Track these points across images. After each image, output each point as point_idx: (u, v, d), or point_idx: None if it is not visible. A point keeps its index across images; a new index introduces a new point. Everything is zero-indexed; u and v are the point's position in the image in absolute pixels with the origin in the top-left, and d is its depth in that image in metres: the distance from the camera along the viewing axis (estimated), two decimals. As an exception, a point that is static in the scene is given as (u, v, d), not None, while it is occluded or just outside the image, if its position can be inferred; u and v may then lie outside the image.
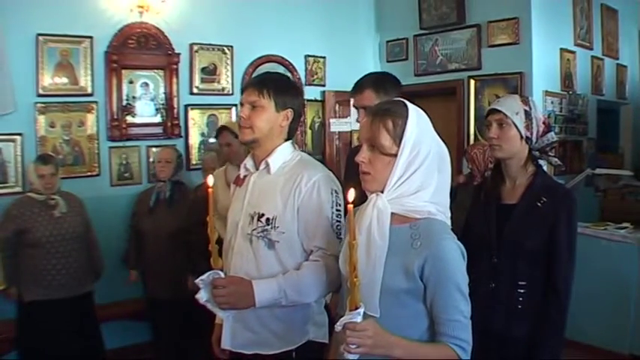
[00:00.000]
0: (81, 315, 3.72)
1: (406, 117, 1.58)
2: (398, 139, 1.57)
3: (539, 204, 2.15)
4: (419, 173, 1.56)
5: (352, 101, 2.64)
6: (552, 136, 2.23)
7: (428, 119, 1.65)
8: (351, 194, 1.42)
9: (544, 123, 2.22)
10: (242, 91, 2.13)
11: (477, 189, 2.49)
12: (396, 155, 1.57)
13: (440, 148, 1.63)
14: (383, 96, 2.43)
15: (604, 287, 4.33)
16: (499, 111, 2.20)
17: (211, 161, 4.40)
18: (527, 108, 2.19)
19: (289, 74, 5.40)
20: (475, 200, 2.39)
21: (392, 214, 1.57)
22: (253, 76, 4.95)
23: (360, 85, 2.59)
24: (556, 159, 2.30)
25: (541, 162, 2.25)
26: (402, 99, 1.70)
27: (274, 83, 2.05)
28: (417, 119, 1.60)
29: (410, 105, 1.63)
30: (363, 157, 1.61)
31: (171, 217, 3.97)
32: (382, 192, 1.58)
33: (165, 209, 3.99)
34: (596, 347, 4.31)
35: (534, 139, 2.19)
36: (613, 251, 4.37)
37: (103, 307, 4.03)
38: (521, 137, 2.18)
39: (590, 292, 4.25)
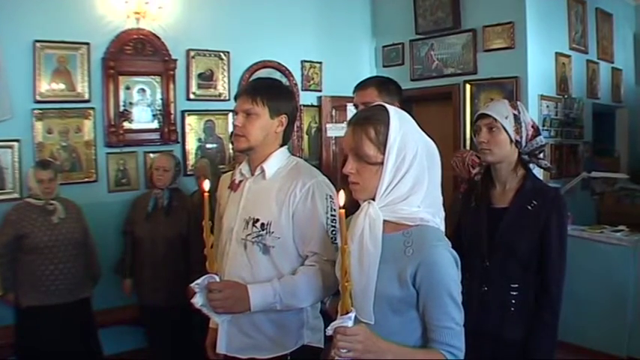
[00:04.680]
0: (79, 320, 3.72)
1: (387, 122, 1.54)
2: (382, 146, 1.53)
3: (529, 207, 2.16)
4: (408, 177, 1.53)
5: (354, 99, 2.59)
6: (541, 140, 2.25)
7: (411, 119, 1.62)
8: (342, 197, 1.40)
9: (533, 127, 2.24)
10: (235, 99, 2.12)
11: (466, 194, 2.50)
12: (382, 163, 1.53)
13: (426, 146, 1.59)
14: (385, 96, 2.42)
15: (600, 290, 4.34)
16: (488, 115, 2.22)
17: (204, 168, 4.42)
18: (516, 112, 2.21)
19: (285, 80, 5.43)
20: (466, 205, 2.39)
21: (384, 221, 1.55)
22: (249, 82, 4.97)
23: (364, 83, 2.58)
24: (545, 162, 2.32)
25: (531, 165, 2.26)
26: (381, 103, 1.68)
27: (267, 90, 2.05)
28: (399, 122, 1.55)
29: (390, 108, 1.59)
30: (350, 169, 1.58)
31: (169, 224, 3.97)
32: (374, 199, 1.56)
33: (163, 216, 3.98)
34: (592, 350, 4.32)
35: (524, 143, 2.21)
36: (609, 254, 4.38)
37: (100, 313, 4.03)
38: (511, 141, 2.19)
39: (587, 295, 4.27)
